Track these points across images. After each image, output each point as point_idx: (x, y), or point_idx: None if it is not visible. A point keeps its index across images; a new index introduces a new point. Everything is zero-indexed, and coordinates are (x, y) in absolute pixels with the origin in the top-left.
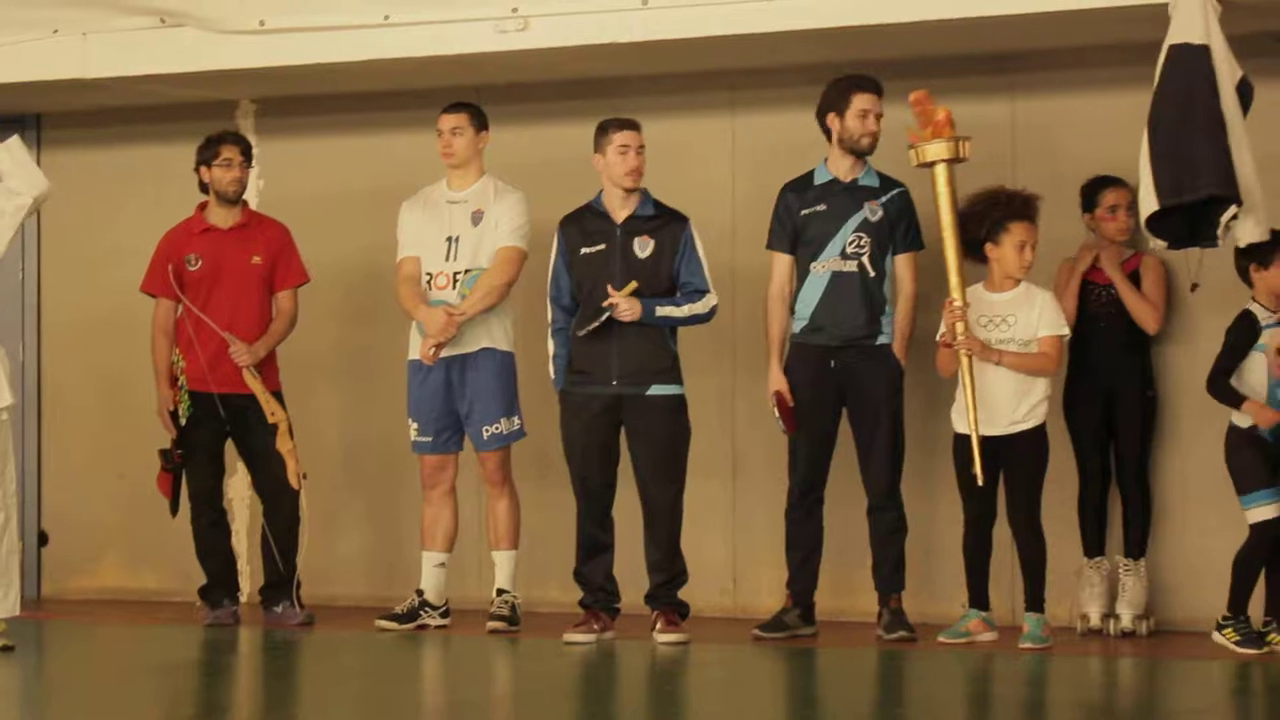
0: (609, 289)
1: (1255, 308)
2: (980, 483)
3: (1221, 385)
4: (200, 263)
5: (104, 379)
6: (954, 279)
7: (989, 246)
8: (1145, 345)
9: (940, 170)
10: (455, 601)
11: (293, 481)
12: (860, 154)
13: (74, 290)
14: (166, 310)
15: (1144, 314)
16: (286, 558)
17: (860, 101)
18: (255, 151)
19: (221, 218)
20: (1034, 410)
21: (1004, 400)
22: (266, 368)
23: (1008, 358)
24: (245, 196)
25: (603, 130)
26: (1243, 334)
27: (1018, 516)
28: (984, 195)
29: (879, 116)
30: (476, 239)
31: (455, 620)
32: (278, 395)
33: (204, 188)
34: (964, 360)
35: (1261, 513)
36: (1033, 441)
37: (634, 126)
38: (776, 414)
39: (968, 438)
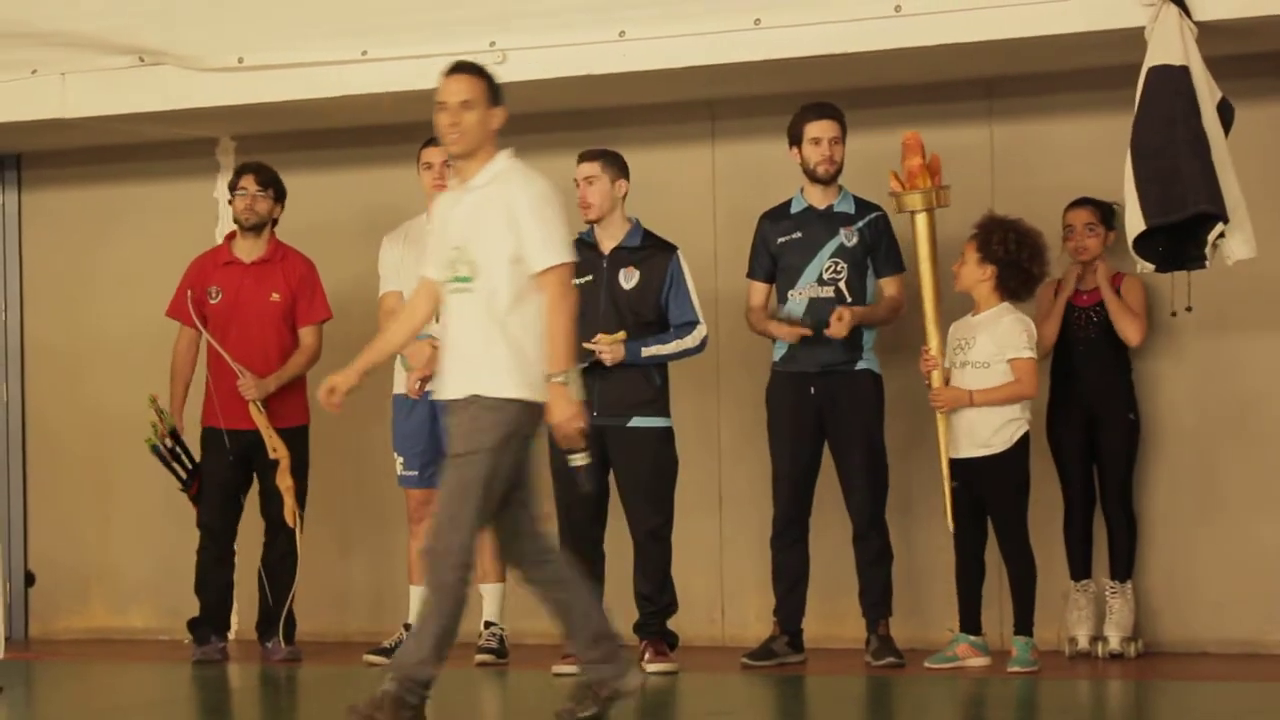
0: (597, 338)
1: None
2: (952, 529)
3: None
4: (220, 296)
5: (89, 418)
6: (930, 328)
7: None
8: (1127, 368)
9: (920, 220)
10: None
11: (288, 519)
12: (821, 181)
13: (58, 329)
14: (188, 340)
15: (1127, 325)
16: (276, 593)
17: (812, 130)
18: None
19: (245, 250)
20: (1002, 433)
21: (970, 423)
22: (290, 403)
23: (978, 396)
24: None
25: None
26: None
27: (1004, 538)
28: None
29: (835, 141)
30: None
31: None
32: (302, 430)
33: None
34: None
35: None
36: (1008, 464)
37: (586, 158)
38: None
39: (954, 462)
